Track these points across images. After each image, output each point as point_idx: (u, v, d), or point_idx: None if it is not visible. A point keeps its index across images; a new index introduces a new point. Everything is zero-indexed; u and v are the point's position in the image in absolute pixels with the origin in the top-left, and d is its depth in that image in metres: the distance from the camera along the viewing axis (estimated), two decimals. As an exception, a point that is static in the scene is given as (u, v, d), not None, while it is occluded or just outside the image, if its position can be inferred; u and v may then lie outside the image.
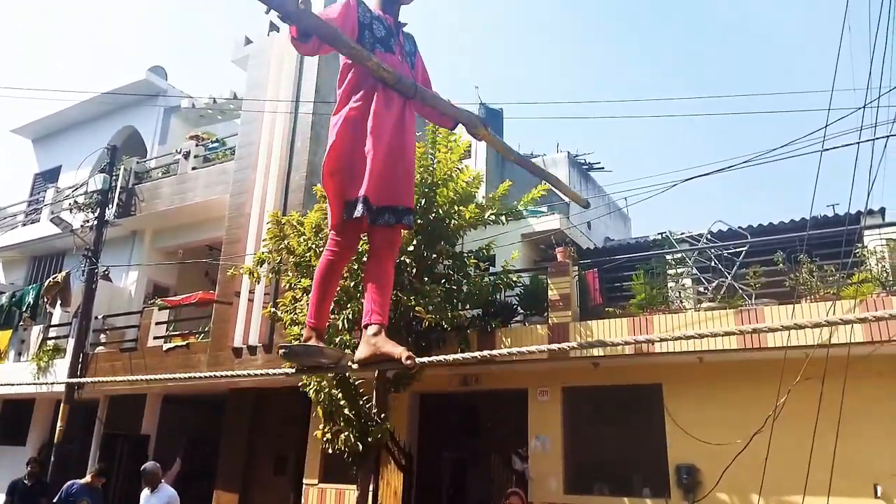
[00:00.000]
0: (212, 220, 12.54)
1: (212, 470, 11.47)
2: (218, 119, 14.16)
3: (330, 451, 8.05)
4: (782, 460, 6.88)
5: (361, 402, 7.82)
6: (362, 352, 2.25)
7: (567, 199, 15.43)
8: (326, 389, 7.62)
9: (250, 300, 10.75)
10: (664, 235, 10.50)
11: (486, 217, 8.41)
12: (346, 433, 7.64)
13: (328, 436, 7.84)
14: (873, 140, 6.70)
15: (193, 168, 13.07)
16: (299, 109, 11.36)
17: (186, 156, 13.12)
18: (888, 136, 6.85)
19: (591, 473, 8.84)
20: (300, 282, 7.98)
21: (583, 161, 16.83)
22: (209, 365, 10.93)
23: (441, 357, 2.32)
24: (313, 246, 7.65)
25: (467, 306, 8.64)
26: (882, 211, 9.53)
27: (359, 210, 2.25)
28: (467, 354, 2.36)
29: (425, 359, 2.23)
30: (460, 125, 2.63)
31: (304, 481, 10.44)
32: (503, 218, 8.59)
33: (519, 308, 9.48)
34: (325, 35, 2.06)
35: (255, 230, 11.09)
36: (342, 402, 7.64)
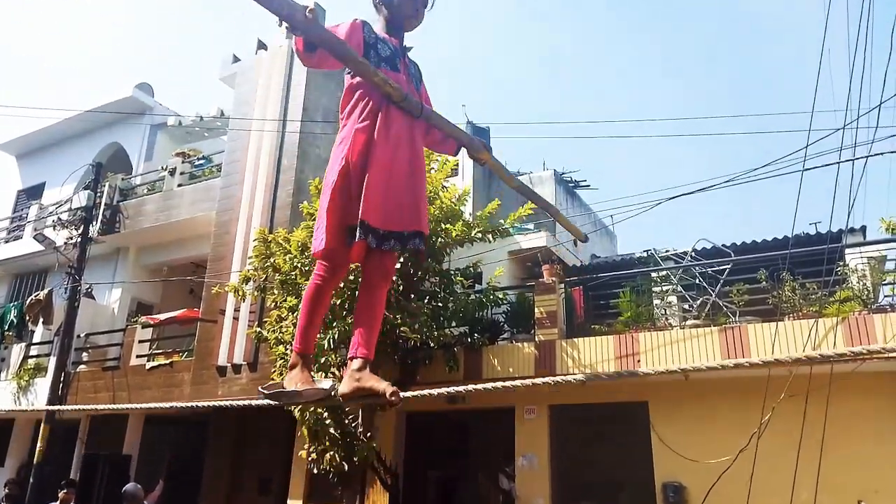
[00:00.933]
0: (197, 238, 12.48)
1: (195, 491, 11.29)
2: (204, 136, 14.15)
3: (315, 470, 7.97)
4: (768, 477, 6.89)
5: (347, 422, 7.76)
6: (346, 386, 2.24)
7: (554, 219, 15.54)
8: (312, 409, 7.55)
9: (235, 318, 10.67)
10: (649, 253, 10.58)
11: (472, 235, 8.44)
12: (332, 453, 7.58)
13: (313, 455, 7.76)
14: (853, 160, 6.82)
15: (179, 185, 13.02)
16: (286, 127, 11.38)
17: (172, 172, 13.08)
18: (867, 157, 6.98)
19: (579, 492, 8.81)
20: (286, 300, 7.95)
21: (569, 179, 16.96)
22: (193, 384, 10.82)
23: (424, 391, 2.30)
24: (299, 264, 7.62)
25: (454, 324, 8.63)
26: (863, 229, 9.67)
27: (363, 236, 2.18)
28: (451, 389, 2.31)
29: (409, 393, 2.20)
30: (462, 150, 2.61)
31: (289, 502, 10.30)
32: (490, 236, 8.63)
33: (506, 325, 9.49)
34: (332, 47, 2.05)
35: (240, 247, 11.05)
36: (328, 422, 7.58)
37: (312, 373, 2.42)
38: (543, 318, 8.80)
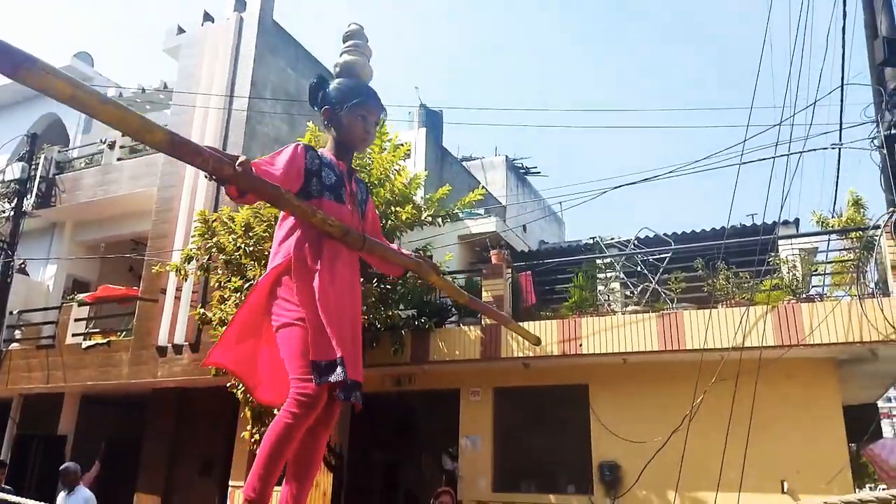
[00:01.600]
0: (137, 214, 12.08)
1: (133, 472, 11.05)
2: (147, 109, 13.63)
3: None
4: (698, 457, 7.21)
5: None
6: None
7: (503, 203, 15.70)
8: (255, 390, 7.47)
9: (177, 298, 10.42)
10: (595, 240, 10.81)
11: (423, 218, 8.45)
12: (275, 434, 7.52)
13: (256, 437, 7.69)
14: (787, 155, 7.12)
15: (119, 159, 12.55)
16: (233, 103, 11.09)
17: (112, 146, 12.59)
18: (802, 152, 7.30)
19: (520, 472, 9.02)
20: (230, 280, 7.80)
21: (520, 165, 17.13)
22: (131, 364, 10.54)
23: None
24: (243, 245, 7.48)
25: (402, 307, 8.65)
26: (796, 221, 10.12)
27: (339, 375, 2.01)
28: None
29: None
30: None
31: (231, 483, 10.20)
32: (440, 220, 8.65)
33: (453, 309, 9.58)
34: (266, 195, 1.97)
35: (183, 225, 10.75)
36: (271, 403, 7.51)
37: None
38: (490, 302, 8.91)
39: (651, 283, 8.54)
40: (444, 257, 9.31)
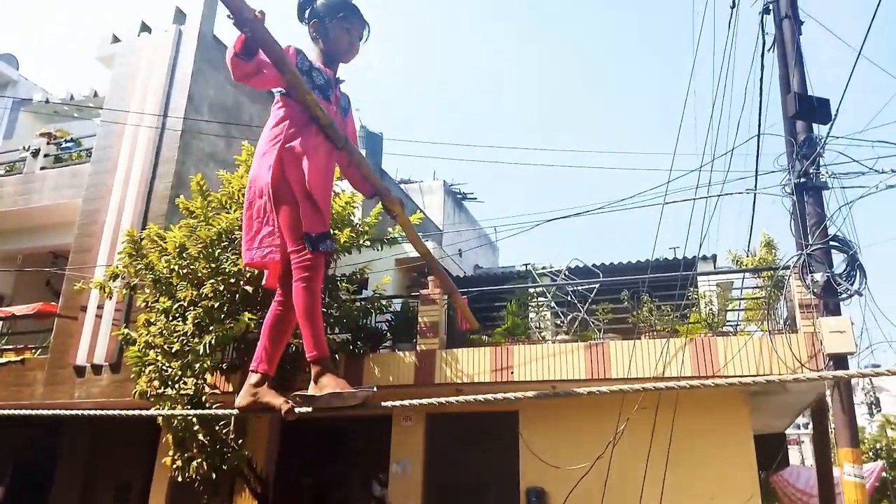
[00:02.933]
0: (59, 226, 11.53)
1: (45, 496, 10.44)
2: (74, 117, 13.13)
3: (180, 478, 7.65)
4: (620, 483, 7.48)
5: (218, 427, 7.53)
6: (243, 399, 2.29)
7: (441, 227, 15.88)
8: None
9: (98, 316, 10.00)
10: (528, 268, 11.11)
11: (361, 242, 8.48)
12: (199, 460, 7.31)
13: (178, 463, 7.45)
14: (706, 198, 7.60)
15: (42, 168, 11.98)
16: (168, 116, 10.83)
17: (35, 154, 12.02)
18: (720, 195, 7.80)
19: (449, 498, 9.07)
20: (158, 300, 7.58)
21: (458, 191, 17.39)
22: (47, 384, 10.01)
23: (323, 408, 2.23)
24: (175, 267, 7.30)
25: (337, 330, 8.62)
26: (714, 257, 10.73)
27: (329, 245, 2.31)
28: (342, 408, 2.30)
29: (305, 409, 2.22)
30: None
31: (149, 510, 9.79)
32: (378, 244, 8.70)
33: (388, 334, 9.60)
34: (273, 54, 2.07)
35: (108, 241, 10.36)
36: (196, 428, 7.31)
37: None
38: (426, 328, 8.99)
39: (580, 312, 8.85)
40: (381, 281, 9.35)
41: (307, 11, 2.56)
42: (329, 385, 2.19)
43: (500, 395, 2.22)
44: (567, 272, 9.97)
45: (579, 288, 9.22)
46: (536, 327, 9.36)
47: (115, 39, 12.18)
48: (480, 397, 2.26)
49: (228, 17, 1.95)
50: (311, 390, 2.22)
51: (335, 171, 2.55)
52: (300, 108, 2.33)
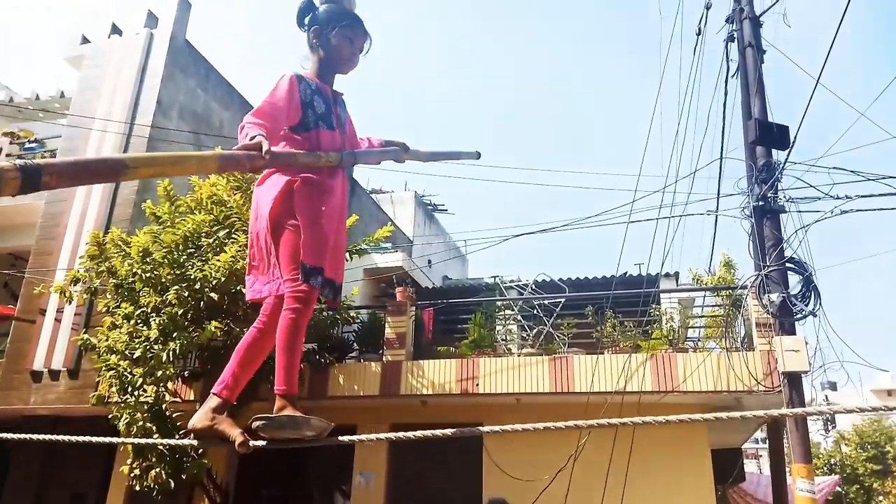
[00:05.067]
0: (18, 227, 11.25)
1: (-10, 509, 10.12)
2: (39, 117, 12.86)
3: (137, 488, 7.51)
4: (581, 495, 7.57)
5: (177, 436, 7.42)
6: (199, 421, 2.21)
7: (411, 237, 15.92)
8: (140, 423, 7.13)
9: (58, 320, 9.78)
10: (495, 281, 11.21)
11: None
12: (158, 469, 7.19)
13: (136, 472, 7.31)
14: (669, 217, 7.80)
15: (3, 167, 11.69)
16: (136, 120, 10.70)
17: (-4, 152, 11.74)
18: (682, 216, 8.01)
19: (412, 509, 9.06)
20: (120, 306, 7.46)
21: (429, 202, 17.46)
22: (1, 389, 9.73)
23: (278, 440, 2.19)
24: (139, 271, 7.20)
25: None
26: (676, 275, 10.97)
27: (319, 283, 2.26)
28: (311, 440, 2.23)
29: (259, 442, 2.16)
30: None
31: (104, 521, 9.57)
32: (348, 254, 8.70)
33: (355, 344, 9.58)
34: (285, 162, 2.23)
35: (70, 244, 10.15)
36: (156, 435, 7.19)
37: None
38: (393, 339, 9.01)
39: (546, 326, 8.97)
40: (350, 291, 9.34)
41: (307, 18, 2.48)
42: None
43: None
44: (534, 286, 10.10)
45: (545, 302, 9.35)
46: (503, 340, 9.45)
47: (85, 40, 11.99)
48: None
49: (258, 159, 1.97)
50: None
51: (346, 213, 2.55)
52: (305, 143, 2.38)
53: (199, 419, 2.21)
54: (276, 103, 2.28)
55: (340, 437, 2.37)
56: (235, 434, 2.13)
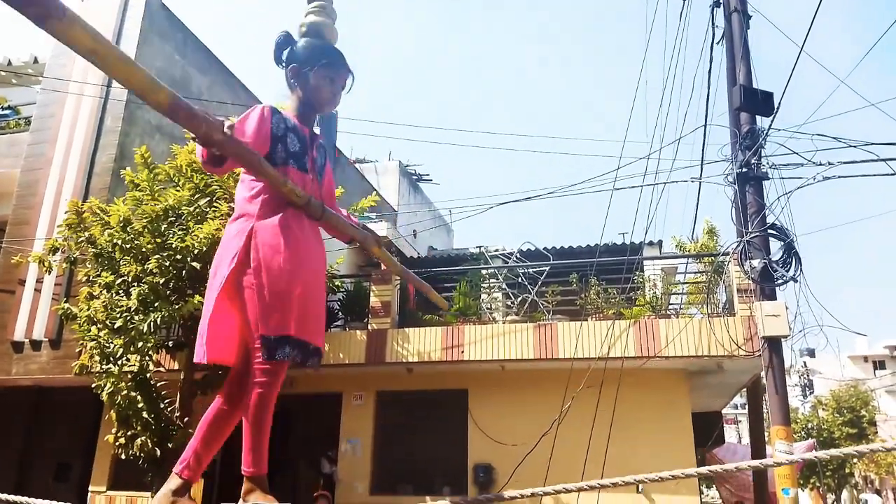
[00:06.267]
0: (-5, 196, 11.04)
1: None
2: (12, 83, 12.51)
3: (123, 456, 7.52)
4: (565, 459, 7.70)
5: (163, 406, 7.41)
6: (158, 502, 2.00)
7: (395, 207, 15.85)
8: (124, 392, 7.11)
9: (38, 290, 9.66)
10: (481, 250, 11.21)
11: (314, 221, 8.39)
12: (143, 438, 7.19)
13: (122, 440, 7.31)
14: (654, 185, 7.79)
15: (-23, 135, 11.42)
16: (112, 85, 10.44)
17: (-32, 120, 11.43)
18: (666, 183, 8.01)
19: (398, 474, 9.18)
20: (100, 275, 7.37)
21: (413, 172, 17.34)
22: (-20, 360, 9.64)
23: None
24: (119, 241, 7.09)
25: (287, 309, 8.53)
26: (660, 243, 11.04)
27: (287, 354, 2.00)
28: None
29: None
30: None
31: (91, 489, 9.60)
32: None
33: (340, 313, 9.58)
34: (247, 161, 1.93)
35: (48, 213, 9.98)
36: (140, 405, 7.18)
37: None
38: (378, 307, 9.01)
39: (530, 294, 9.01)
40: (335, 260, 9.30)
41: (285, 53, 2.32)
42: None
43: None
44: (518, 255, 10.12)
45: (530, 270, 9.38)
46: (488, 308, 9.49)
47: (57, 2, 11.61)
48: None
49: (194, 139, 1.78)
50: None
51: (324, 261, 2.26)
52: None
53: (158, 501, 2.00)
54: (244, 130, 2.09)
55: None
56: None
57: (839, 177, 6.92)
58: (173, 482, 2.03)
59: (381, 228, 12.19)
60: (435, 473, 9.07)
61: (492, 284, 9.81)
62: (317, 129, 2.51)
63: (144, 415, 7.19)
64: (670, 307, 8.90)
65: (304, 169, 2.25)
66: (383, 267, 9.47)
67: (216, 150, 1.81)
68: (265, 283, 2.01)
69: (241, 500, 2.05)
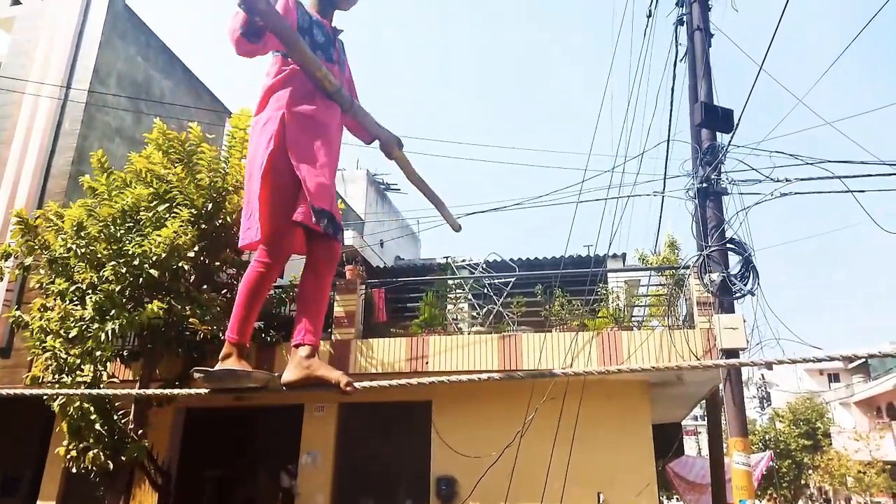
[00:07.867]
0: (-55, 199, 10.63)
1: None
2: (-34, 82, 12.11)
3: (74, 469, 7.26)
4: (527, 470, 7.71)
5: (116, 417, 7.19)
6: (293, 374, 2.12)
7: (362, 216, 15.76)
8: (77, 403, 6.87)
9: (-12, 297, 9.31)
10: (448, 261, 11.21)
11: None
12: (96, 450, 6.95)
13: (73, 453, 7.06)
14: (617, 198, 7.91)
15: (-74, 135, 11.00)
16: (71, 87, 10.19)
17: (-83, 119, 11.01)
18: (630, 196, 8.14)
19: (359, 487, 9.05)
20: (54, 282, 7.13)
21: (381, 181, 17.29)
22: (-77, 370, 9.22)
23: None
24: (74, 246, 6.88)
25: (249, 318, 8.38)
26: (623, 255, 11.19)
27: (323, 223, 2.13)
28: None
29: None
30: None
31: (39, 502, 9.24)
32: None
33: (302, 322, 9.43)
34: (285, 38, 1.91)
35: (1, 217, 9.66)
36: (93, 417, 6.95)
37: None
38: (342, 317, 8.91)
39: (496, 305, 9.02)
40: (298, 269, 9.17)
41: None
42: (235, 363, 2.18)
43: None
44: (485, 266, 10.14)
45: (496, 281, 9.40)
46: (453, 319, 9.47)
47: (16, 2, 11.33)
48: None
49: (239, 5, 1.81)
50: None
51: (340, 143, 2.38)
52: (301, 71, 2.19)
53: (290, 372, 2.13)
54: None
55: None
56: (336, 377, 2.07)
57: (796, 193, 7.11)
58: (303, 350, 2.15)
59: (346, 237, 12.10)
60: (397, 486, 8.97)
61: (458, 295, 9.81)
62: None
63: (97, 426, 6.96)
64: (633, 319, 9.00)
65: (331, 60, 2.33)
66: (348, 276, 9.39)
67: (259, 19, 1.85)
68: (303, 162, 2.13)
69: (219, 361, 2.21)
